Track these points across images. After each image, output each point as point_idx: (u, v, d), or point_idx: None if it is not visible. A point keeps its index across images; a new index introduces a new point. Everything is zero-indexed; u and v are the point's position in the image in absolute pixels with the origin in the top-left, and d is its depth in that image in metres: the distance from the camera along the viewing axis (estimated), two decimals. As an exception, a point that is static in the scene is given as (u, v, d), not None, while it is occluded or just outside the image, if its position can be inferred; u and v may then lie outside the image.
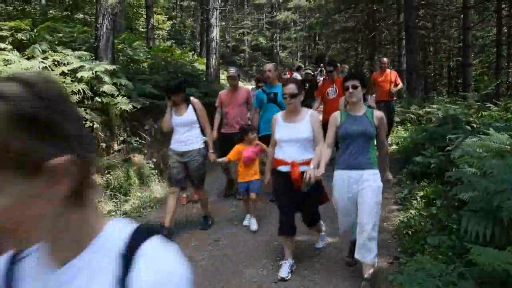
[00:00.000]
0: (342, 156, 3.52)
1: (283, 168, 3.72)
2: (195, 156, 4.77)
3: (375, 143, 3.64)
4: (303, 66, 16.70)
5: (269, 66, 5.87)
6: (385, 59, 9.23)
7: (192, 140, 4.79)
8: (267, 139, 4.59)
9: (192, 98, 4.90)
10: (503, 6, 15.67)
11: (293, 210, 3.84)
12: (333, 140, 3.60)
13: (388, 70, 8.98)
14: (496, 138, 4.31)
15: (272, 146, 3.93)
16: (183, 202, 6.10)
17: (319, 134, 3.72)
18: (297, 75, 12.07)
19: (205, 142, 4.91)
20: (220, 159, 5.18)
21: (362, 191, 3.40)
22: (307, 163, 3.63)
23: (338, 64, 11.85)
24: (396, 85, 8.86)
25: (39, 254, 0.75)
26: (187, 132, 4.77)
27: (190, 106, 4.79)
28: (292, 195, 3.74)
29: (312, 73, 11.36)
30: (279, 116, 3.86)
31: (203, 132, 4.92)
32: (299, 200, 3.79)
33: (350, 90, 3.44)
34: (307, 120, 3.71)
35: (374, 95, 8.62)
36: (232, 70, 6.14)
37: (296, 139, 3.68)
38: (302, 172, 3.60)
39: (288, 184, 3.70)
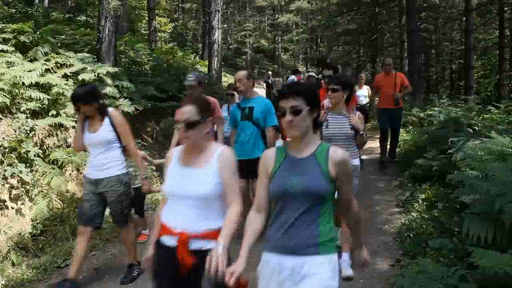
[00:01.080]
0: (273, 228, 2.04)
1: (167, 240, 2.22)
2: (113, 186, 3.65)
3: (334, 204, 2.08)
4: (300, 69, 16.37)
5: (240, 74, 4.54)
6: (389, 60, 8.09)
7: (109, 165, 3.66)
8: (241, 165, 3.43)
9: (110, 109, 3.77)
10: (506, 8, 15.67)
11: None
12: (266, 200, 2.10)
13: (393, 73, 7.74)
14: (498, 141, 4.30)
15: (162, 203, 2.41)
16: (143, 239, 4.81)
17: (232, 187, 2.22)
18: (294, 79, 11.66)
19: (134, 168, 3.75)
20: (158, 187, 3.82)
21: None
22: (209, 236, 2.16)
23: (361, 75, 11.09)
24: (405, 87, 7.61)
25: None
26: (102, 153, 3.66)
27: (107, 120, 3.65)
28: (178, 284, 2.25)
29: (316, 77, 9.27)
30: (175, 153, 2.38)
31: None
32: None
33: (288, 117, 1.94)
34: (213, 164, 2.23)
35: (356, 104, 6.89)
36: (190, 77, 4.69)
37: (190, 195, 2.19)
38: (197, 252, 2.15)
39: (173, 265, 2.19)
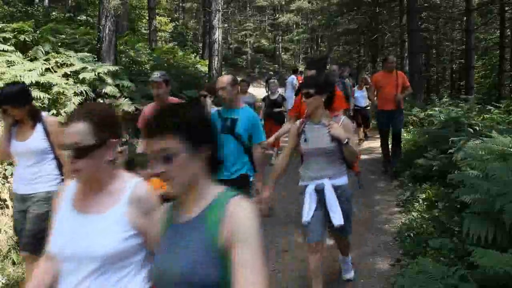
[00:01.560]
0: None
1: None
2: (37, 201, 3.07)
3: None
4: (300, 69, 16.21)
5: (224, 81, 3.68)
6: (392, 58, 7.32)
7: (40, 179, 3.10)
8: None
9: (44, 114, 3.21)
10: (506, 8, 15.66)
11: None
12: None
13: (395, 71, 7.01)
14: (499, 141, 4.30)
15: (45, 260, 1.61)
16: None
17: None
18: (293, 79, 11.37)
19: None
20: None
21: None
22: None
23: (368, 78, 10.35)
24: (406, 88, 7.00)
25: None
26: (32, 166, 3.10)
27: (40, 127, 3.09)
28: None
29: None
30: (67, 192, 1.61)
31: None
32: None
33: (158, 167, 1.24)
34: (122, 207, 1.51)
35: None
36: (156, 74, 4.05)
37: (88, 255, 1.45)
38: None
39: None
